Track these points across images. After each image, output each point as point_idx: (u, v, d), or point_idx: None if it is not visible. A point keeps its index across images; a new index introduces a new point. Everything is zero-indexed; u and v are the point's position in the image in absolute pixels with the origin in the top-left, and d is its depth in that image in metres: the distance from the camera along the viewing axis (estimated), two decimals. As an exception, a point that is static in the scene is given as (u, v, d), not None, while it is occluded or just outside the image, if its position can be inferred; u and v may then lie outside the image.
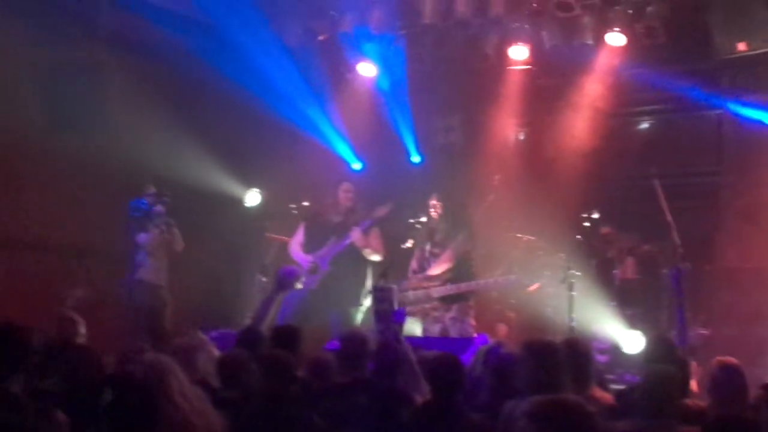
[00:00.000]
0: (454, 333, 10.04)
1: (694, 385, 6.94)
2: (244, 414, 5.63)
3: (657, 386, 5.45)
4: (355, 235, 10.45)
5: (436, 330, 10.21)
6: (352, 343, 6.68)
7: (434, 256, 10.48)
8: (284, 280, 8.44)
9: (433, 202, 10.42)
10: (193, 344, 6.52)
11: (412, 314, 10.37)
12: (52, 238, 11.49)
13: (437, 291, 10.27)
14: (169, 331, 10.36)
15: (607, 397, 6.20)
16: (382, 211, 10.51)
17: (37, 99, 10.69)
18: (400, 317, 8.35)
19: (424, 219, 10.44)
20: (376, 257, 10.68)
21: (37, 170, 11.14)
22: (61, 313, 7.99)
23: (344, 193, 10.81)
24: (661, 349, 6.25)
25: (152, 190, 10.87)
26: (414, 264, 10.60)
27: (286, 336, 6.89)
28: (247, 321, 10.75)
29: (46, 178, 11.26)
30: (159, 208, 10.79)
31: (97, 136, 10.94)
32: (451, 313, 10.21)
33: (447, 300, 10.26)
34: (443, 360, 5.99)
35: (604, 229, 11.25)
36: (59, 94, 10.67)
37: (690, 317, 9.31)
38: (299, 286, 9.44)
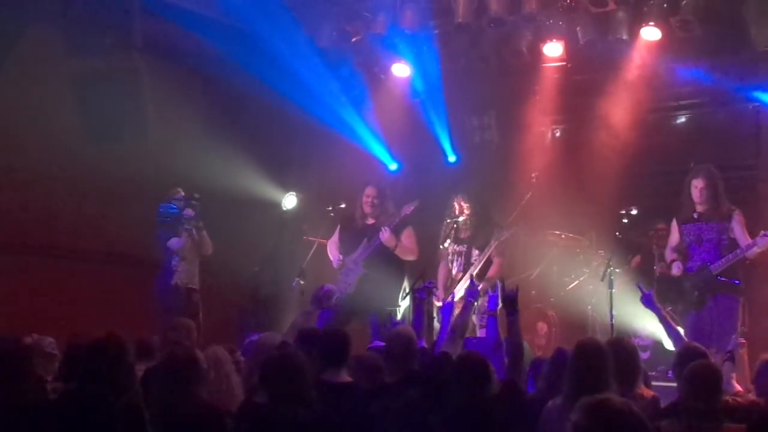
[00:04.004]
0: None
1: (735, 384, 6.90)
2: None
3: (698, 383, 5.45)
4: (384, 236, 10.37)
5: None
6: (399, 342, 6.69)
7: (458, 255, 10.44)
8: (320, 299, 8.45)
9: (461, 203, 10.37)
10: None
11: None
12: (89, 245, 11.59)
13: (456, 292, 10.22)
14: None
15: (652, 395, 6.18)
16: (408, 209, 10.43)
17: (74, 109, 10.75)
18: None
19: (461, 218, 10.38)
20: (410, 257, 10.62)
21: (74, 179, 11.23)
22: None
23: (366, 198, 10.69)
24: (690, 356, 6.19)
25: (180, 193, 10.76)
26: (443, 266, 10.57)
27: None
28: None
29: (83, 187, 11.35)
30: (189, 211, 10.62)
31: (134, 144, 10.99)
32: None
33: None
34: (469, 358, 6.05)
35: (660, 224, 11.16)
36: (96, 103, 10.72)
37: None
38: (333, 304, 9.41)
